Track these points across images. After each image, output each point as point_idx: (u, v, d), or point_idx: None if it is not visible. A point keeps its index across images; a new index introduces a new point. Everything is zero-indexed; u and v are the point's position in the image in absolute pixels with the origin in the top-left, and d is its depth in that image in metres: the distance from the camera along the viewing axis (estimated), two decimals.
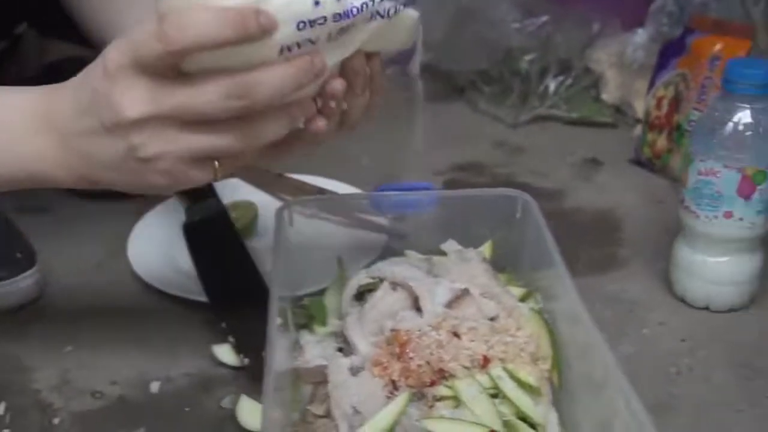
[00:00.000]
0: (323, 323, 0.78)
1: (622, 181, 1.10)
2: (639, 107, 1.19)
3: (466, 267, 0.79)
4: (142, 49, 0.58)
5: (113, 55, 0.60)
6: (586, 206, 1.04)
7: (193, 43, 0.57)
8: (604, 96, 1.26)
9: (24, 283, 0.87)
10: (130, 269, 0.91)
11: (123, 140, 0.61)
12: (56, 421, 0.73)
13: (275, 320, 0.67)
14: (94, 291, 0.90)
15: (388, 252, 0.87)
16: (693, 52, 1.05)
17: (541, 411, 0.68)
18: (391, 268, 0.78)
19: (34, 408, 0.75)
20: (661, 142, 1.08)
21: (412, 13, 0.65)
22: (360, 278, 0.79)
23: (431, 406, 0.68)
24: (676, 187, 1.05)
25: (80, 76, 0.64)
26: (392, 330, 0.71)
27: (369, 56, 0.67)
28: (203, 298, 0.85)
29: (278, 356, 0.65)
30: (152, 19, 0.58)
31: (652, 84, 1.11)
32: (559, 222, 0.96)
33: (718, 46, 1.02)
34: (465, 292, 0.74)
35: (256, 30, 0.56)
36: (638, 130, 1.15)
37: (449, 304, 0.74)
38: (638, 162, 1.13)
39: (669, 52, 1.09)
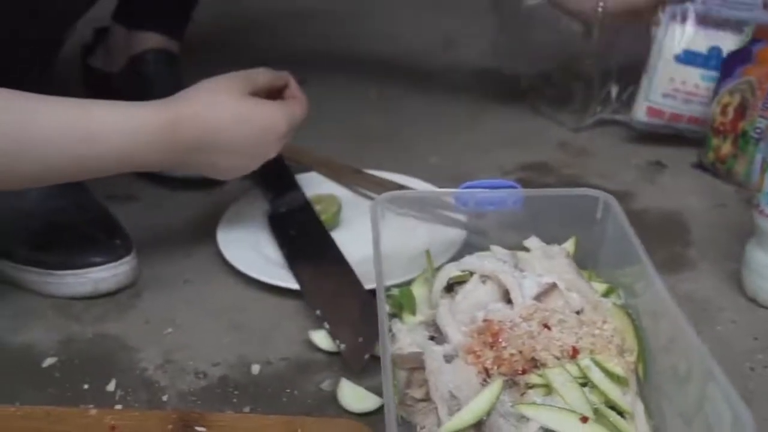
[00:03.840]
0: (413, 313, 0.82)
1: (686, 184, 1.13)
2: None
3: (551, 263, 0.82)
4: None
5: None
6: (652, 208, 1.08)
7: None
8: None
9: (122, 268, 0.91)
10: (219, 257, 0.96)
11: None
12: (164, 398, 0.78)
13: (384, 308, 0.71)
14: (186, 278, 0.95)
15: (468, 248, 0.91)
16: (760, 61, 1.09)
17: (629, 401, 0.72)
18: (480, 261, 0.82)
19: (142, 385, 0.79)
20: (726, 147, 1.11)
21: None
22: (450, 271, 0.82)
23: (523, 394, 0.71)
24: (740, 191, 1.09)
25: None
26: (485, 320, 0.75)
27: None
28: (293, 285, 0.89)
29: (387, 342, 0.69)
30: None
31: (716, 91, 1.14)
32: None
33: None
34: (553, 286, 0.78)
35: None
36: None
37: (538, 297, 0.78)
38: (701, 166, 1.16)
39: (734, 60, 1.12)
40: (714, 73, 1.15)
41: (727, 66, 1.13)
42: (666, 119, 1.19)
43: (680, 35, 1.16)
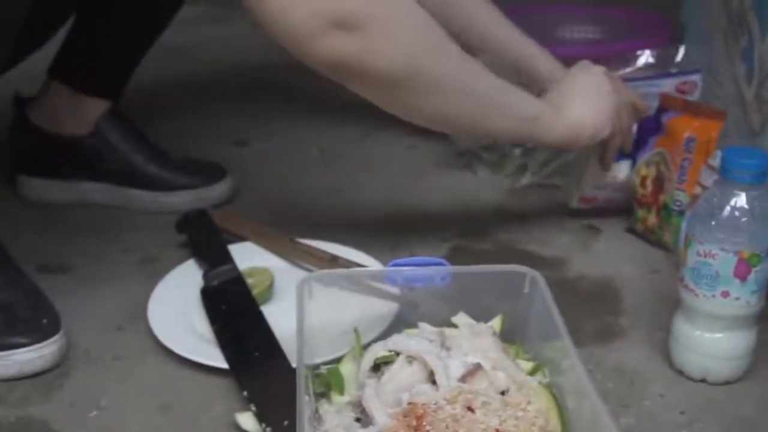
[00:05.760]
0: (341, 392, 0.82)
1: (620, 249, 1.14)
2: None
3: (478, 341, 0.83)
4: None
5: None
6: (586, 275, 1.09)
7: None
8: None
9: (49, 349, 0.90)
10: (150, 333, 0.95)
11: None
12: None
13: (303, 397, 0.70)
14: (115, 355, 0.93)
15: (399, 321, 0.91)
16: (669, 132, 1.10)
17: None
18: (406, 341, 0.82)
19: None
20: (652, 219, 1.12)
21: None
22: (377, 350, 0.82)
23: None
24: (670, 256, 1.10)
25: None
26: (409, 403, 0.75)
27: None
28: (223, 365, 0.89)
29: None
30: None
31: (634, 161, 1.15)
32: (561, 290, 1.00)
33: (692, 127, 1.07)
34: (478, 367, 0.78)
35: None
36: None
37: (463, 378, 0.78)
38: (634, 231, 1.17)
39: (646, 130, 1.14)
40: None
41: (640, 135, 1.15)
42: (599, 203, 1.20)
43: None
